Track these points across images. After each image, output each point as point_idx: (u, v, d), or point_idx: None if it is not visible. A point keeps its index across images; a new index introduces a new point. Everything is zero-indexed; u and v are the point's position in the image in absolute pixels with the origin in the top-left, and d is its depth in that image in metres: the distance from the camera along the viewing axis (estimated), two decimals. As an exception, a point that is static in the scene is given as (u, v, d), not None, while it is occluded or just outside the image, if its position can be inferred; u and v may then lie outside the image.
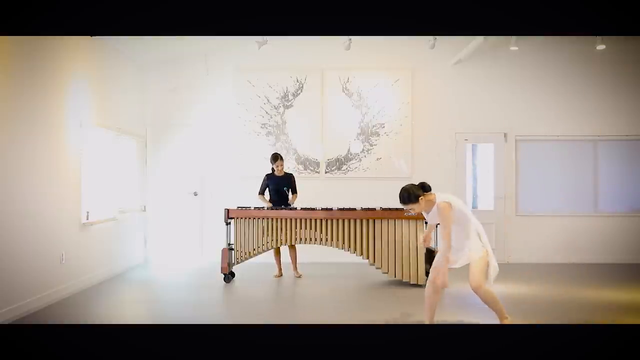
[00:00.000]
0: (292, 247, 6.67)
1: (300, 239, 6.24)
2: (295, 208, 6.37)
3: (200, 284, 6.45)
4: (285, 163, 7.10)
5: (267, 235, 6.26)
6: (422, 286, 6.01)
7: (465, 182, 8.10)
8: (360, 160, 8.02)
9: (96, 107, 6.38)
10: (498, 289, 6.14)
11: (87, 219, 6.11)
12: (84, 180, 6.03)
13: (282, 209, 6.34)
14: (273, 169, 6.69)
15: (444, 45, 7.56)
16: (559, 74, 8.04)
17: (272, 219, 6.26)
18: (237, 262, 6.39)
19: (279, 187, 6.64)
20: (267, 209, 6.39)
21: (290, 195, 6.72)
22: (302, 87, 8.04)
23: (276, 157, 6.65)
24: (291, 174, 6.83)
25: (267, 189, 6.71)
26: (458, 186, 8.02)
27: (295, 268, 6.71)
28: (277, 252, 6.67)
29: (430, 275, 4.17)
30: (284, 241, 6.26)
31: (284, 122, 8.04)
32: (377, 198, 7.21)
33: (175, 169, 8.06)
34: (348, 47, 7.30)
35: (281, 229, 6.24)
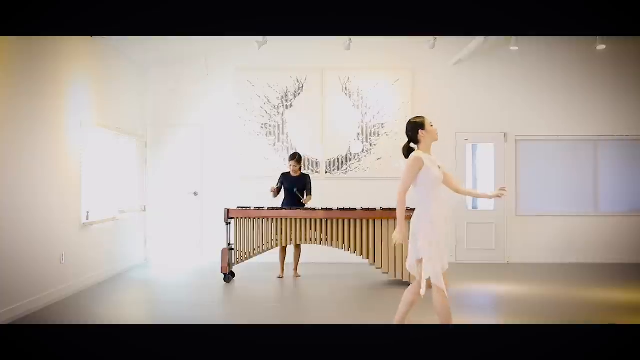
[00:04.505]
0: (297, 248, 6.66)
1: (301, 239, 6.24)
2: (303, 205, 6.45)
3: (200, 284, 6.45)
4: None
5: (272, 234, 6.24)
6: (422, 286, 6.01)
7: (465, 182, 8.10)
8: (360, 160, 8.02)
9: (96, 107, 6.38)
10: (499, 288, 6.15)
11: (87, 219, 6.10)
12: (84, 180, 6.03)
13: (287, 209, 6.33)
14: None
15: (444, 45, 7.56)
16: (559, 74, 8.05)
17: (274, 219, 6.25)
18: (237, 262, 6.39)
19: (291, 188, 6.61)
20: (267, 208, 6.38)
21: (304, 197, 6.66)
22: (302, 87, 8.04)
23: (292, 157, 6.62)
24: (307, 175, 6.78)
25: (283, 187, 6.69)
26: (458, 186, 8.02)
27: (296, 268, 6.71)
28: (283, 252, 6.64)
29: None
30: (288, 240, 6.25)
31: (284, 122, 8.04)
32: (377, 198, 7.21)
33: (175, 169, 8.06)
34: (348, 47, 7.30)
35: (282, 229, 6.23)
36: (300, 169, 6.68)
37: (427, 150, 3.75)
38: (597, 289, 6.07)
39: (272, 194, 6.60)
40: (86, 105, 6.12)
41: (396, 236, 3.57)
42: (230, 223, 6.43)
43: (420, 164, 3.62)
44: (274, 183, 6.74)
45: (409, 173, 3.62)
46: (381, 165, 8.01)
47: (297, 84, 8.04)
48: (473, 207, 8.18)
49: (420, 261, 3.53)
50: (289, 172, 6.69)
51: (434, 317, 4.24)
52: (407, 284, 6.10)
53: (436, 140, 3.83)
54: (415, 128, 3.80)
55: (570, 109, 8.05)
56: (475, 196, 4.11)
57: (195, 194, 8.06)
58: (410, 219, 3.66)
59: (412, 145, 3.82)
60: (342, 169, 8.03)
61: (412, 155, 3.70)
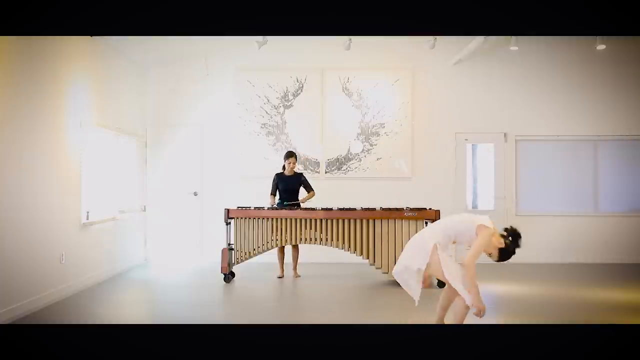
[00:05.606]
0: (295, 248, 6.66)
1: (301, 239, 6.24)
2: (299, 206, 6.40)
3: (200, 284, 6.45)
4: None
5: (272, 234, 6.24)
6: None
7: (465, 182, 8.10)
8: (360, 160, 8.02)
9: (96, 107, 6.38)
10: (499, 288, 6.16)
11: (87, 219, 6.10)
12: (84, 180, 6.03)
13: (285, 208, 6.33)
14: (284, 167, 6.68)
15: (444, 45, 7.55)
16: (559, 74, 8.04)
17: (273, 219, 6.25)
18: (237, 262, 6.39)
19: (288, 187, 6.61)
20: (267, 208, 6.39)
21: (305, 194, 6.68)
22: (302, 87, 8.04)
23: (290, 154, 6.63)
24: (301, 173, 6.79)
25: (278, 189, 6.69)
26: (458, 186, 8.03)
27: (295, 268, 6.71)
28: (281, 252, 6.65)
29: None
30: (288, 240, 6.25)
31: (284, 122, 8.04)
32: (377, 198, 7.22)
33: (175, 169, 8.06)
34: (348, 47, 7.29)
35: (282, 229, 6.23)
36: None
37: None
38: (597, 289, 6.07)
39: (272, 205, 6.62)
40: (86, 105, 6.12)
41: (478, 306, 3.63)
42: (230, 223, 6.43)
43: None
44: (269, 189, 6.72)
45: (484, 245, 3.99)
46: (381, 165, 8.01)
47: (297, 84, 8.04)
48: (473, 207, 8.18)
49: (420, 271, 4.00)
50: (283, 172, 6.69)
51: (434, 317, 4.25)
52: (407, 284, 6.10)
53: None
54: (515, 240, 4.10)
55: (570, 109, 8.05)
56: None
57: (195, 194, 8.06)
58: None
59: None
60: (342, 169, 8.03)
61: (490, 232, 4.05)
